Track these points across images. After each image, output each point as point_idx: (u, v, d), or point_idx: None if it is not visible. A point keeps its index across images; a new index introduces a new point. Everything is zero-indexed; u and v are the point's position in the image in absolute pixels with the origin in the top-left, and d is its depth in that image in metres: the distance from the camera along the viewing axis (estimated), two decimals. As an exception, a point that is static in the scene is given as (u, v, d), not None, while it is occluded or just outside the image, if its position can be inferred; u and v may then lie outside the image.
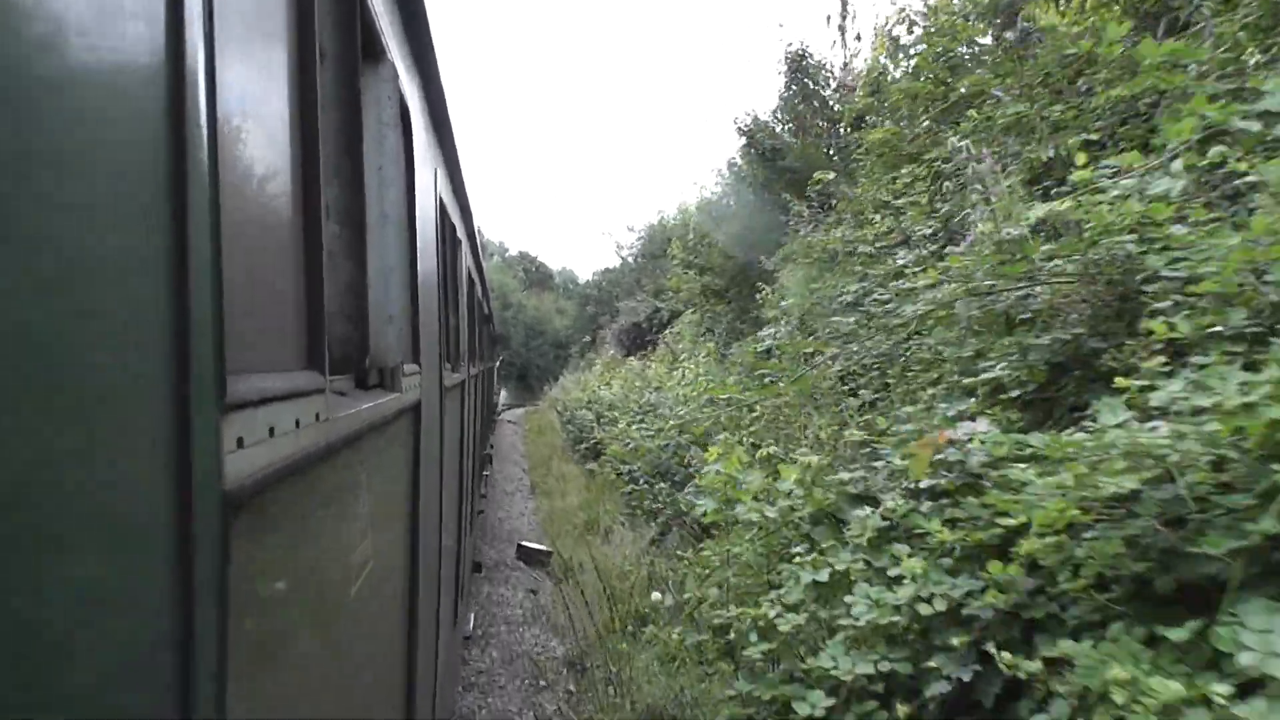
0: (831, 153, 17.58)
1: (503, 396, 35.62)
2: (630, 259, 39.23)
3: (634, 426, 14.98)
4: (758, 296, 11.95)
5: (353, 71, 2.03)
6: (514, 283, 65.23)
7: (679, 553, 8.94)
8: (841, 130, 17.80)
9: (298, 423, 1.30)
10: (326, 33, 1.92)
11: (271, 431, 1.16)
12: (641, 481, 12.48)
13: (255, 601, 1.13)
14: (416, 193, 3.02)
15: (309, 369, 1.53)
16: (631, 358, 25.66)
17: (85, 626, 0.70)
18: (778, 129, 18.96)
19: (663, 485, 11.59)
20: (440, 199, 4.24)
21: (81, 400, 0.70)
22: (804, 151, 17.67)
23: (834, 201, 12.72)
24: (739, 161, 20.25)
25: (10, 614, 0.59)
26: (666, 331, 24.69)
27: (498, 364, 26.47)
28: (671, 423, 13.16)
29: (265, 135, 1.38)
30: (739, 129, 19.07)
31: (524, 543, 12.04)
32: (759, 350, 10.32)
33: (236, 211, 1.18)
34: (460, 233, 6.19)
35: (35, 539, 0.62)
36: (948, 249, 6.64)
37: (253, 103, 1.31)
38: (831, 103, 18.36)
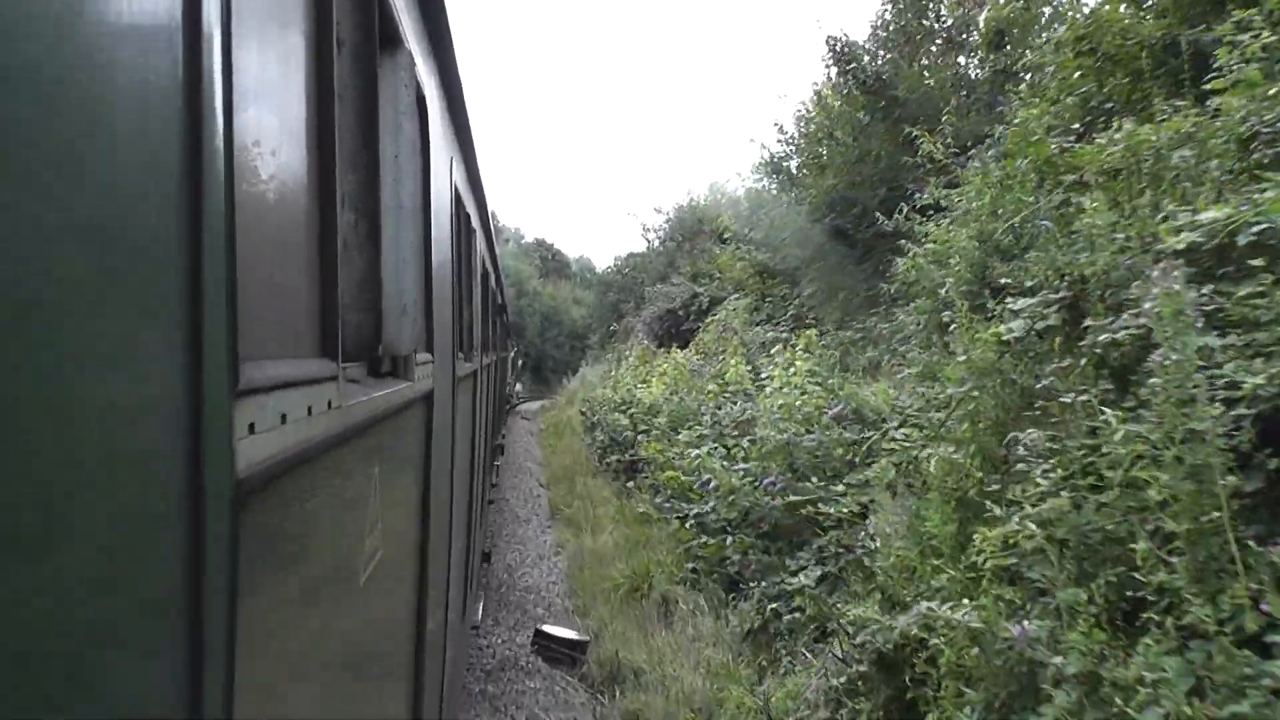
0: (959, 79, 14.00)
1: (518, 389, 34.41)
2: (657, 242, 36.36)
3: (707, 449, 10.44)
4: (900, 260, 8.33)
5: (370, 60, 2.03)
6: (529, 269, 63.36)
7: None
8: (968, 56, 14.40)
9: (310, 410, 1.30)
10: (344, 21, 1.92)
11: (284, 418, 1.17)
12: (730, 541, 8.38)
13: (265, 588, 1.14)
14: (432, 182, 3.02)
15: (322, 356, 1.53)
16: (673, 350, 21.03)
17: (93, 611, 0.70)
18: (880, 54, 15.13)
19: (801, 582, 6.80)
20: (455, 188, 4.24)
21: (94, 384, 0.70)
22: (920, 80, 14.02)
23: (991, 132, 9.44)
24: (828, 98, 16.15)
25: (18, 597, 0.59)
26: (709, 319, 21.51)
27: (513, 355, 25.97)
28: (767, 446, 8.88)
29: (282, 123, 1.38)
30: (832, 51, 14.97)
31: (545, 627, 8.36)
32: (1013, 336, 5.68)
33: (252, 199, 1.18)
34: (475, 222, 6.20)
35: (45, 523, 0.63)
36: None
37: (270, 91, 1.31)
38: (950, 20, 14.77)
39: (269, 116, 1.30)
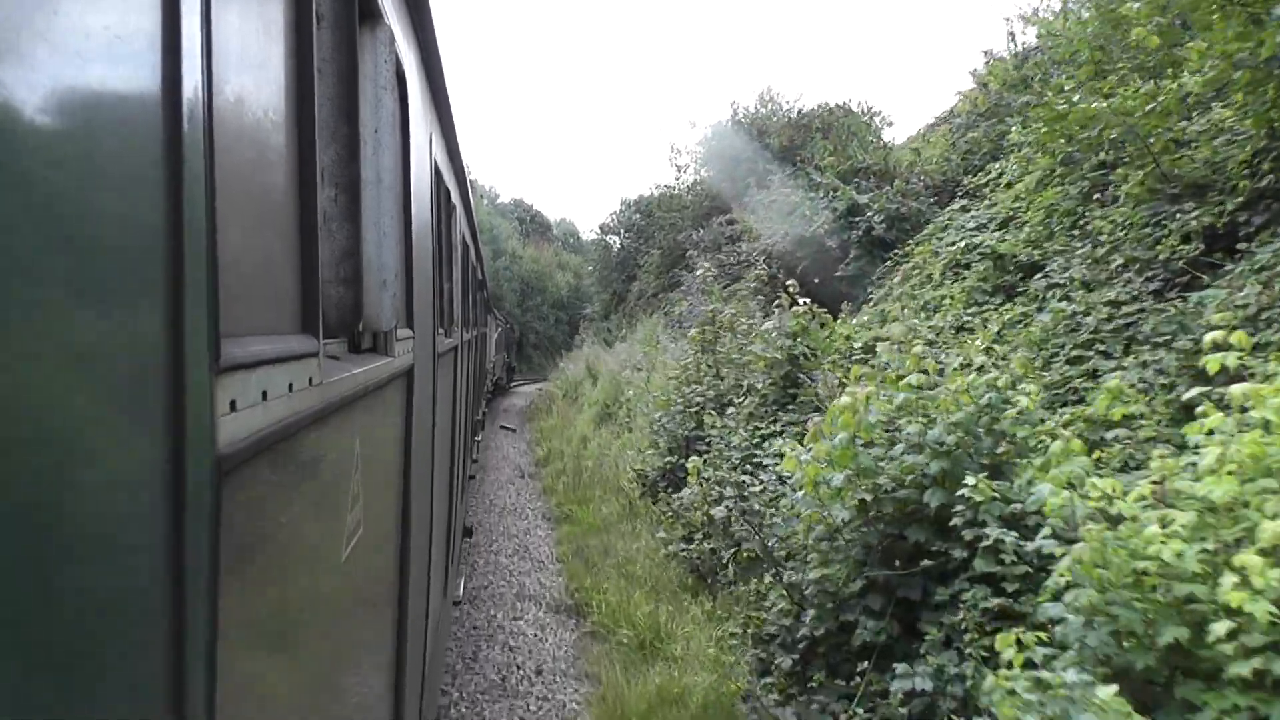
0: None
1: (502, 367, 30.27)
2: (693, 169, 28.13)
3: None
4: None
5: (350, 34, 2.01)
6: (507, 226, 54.58)
7: None
8: None
9: (291, 386, 1.30)
10: (323, -7, 1.90)
11: (265, 395, 1.17)
12: None
13: (246, 564, 1.14)
14: (412, 157, 3.00)
15: (303, 333, 1.53)
16: (843, 316, 10.79)
17: (75, 587, 0.70)
18: None
19: None
20: (435, 164, 4.21)
21: (75, 362, 0.70)
22: None
23: None
24: None
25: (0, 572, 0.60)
26: (923, 247, 12.45)
27: (498, 334, 24.93)
28: None
29: (261, 98, 1.37)
30: None
31: None
32: None
33: (231, 174, 1.18)
34: (454, 198, 6.16)
35: (28, 500, 0.63)
36: None
37: (249, 64, 1.30)
38: None
39: (248, 90, 1.29)
